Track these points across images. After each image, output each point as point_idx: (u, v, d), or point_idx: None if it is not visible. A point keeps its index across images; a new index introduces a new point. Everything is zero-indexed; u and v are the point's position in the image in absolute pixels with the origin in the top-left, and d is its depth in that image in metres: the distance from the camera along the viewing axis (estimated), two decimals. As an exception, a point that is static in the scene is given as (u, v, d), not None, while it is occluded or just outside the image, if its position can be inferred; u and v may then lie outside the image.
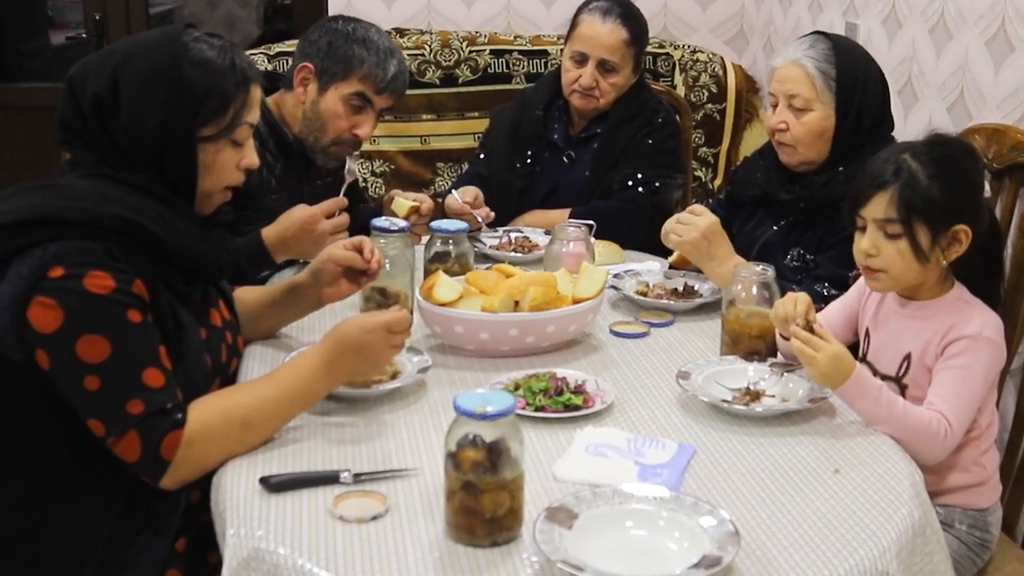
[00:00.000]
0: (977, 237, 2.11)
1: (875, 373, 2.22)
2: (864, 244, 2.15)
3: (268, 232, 2.57)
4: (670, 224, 2.63)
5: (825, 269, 2.58)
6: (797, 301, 2.11)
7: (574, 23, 3.33)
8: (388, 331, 1.97)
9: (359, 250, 2.28)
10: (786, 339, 2.13)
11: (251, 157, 2.05)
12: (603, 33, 3.24)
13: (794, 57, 2.62)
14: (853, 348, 2.31)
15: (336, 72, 2.81)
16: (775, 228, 2.73)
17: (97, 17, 4.89)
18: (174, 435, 1.79)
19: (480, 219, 3.05)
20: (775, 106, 2.67)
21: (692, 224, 2.58)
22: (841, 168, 2.59)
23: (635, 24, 3.29)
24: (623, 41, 3.24)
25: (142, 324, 1.83)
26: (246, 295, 2.33)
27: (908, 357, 2.17)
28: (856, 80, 2.59)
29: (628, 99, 3.33)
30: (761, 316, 2.25)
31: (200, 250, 1.97)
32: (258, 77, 2.03)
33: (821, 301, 2.50)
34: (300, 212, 2.57)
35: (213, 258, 2.02)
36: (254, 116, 2.03)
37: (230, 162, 2.01)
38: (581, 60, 3.26)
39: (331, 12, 4.38)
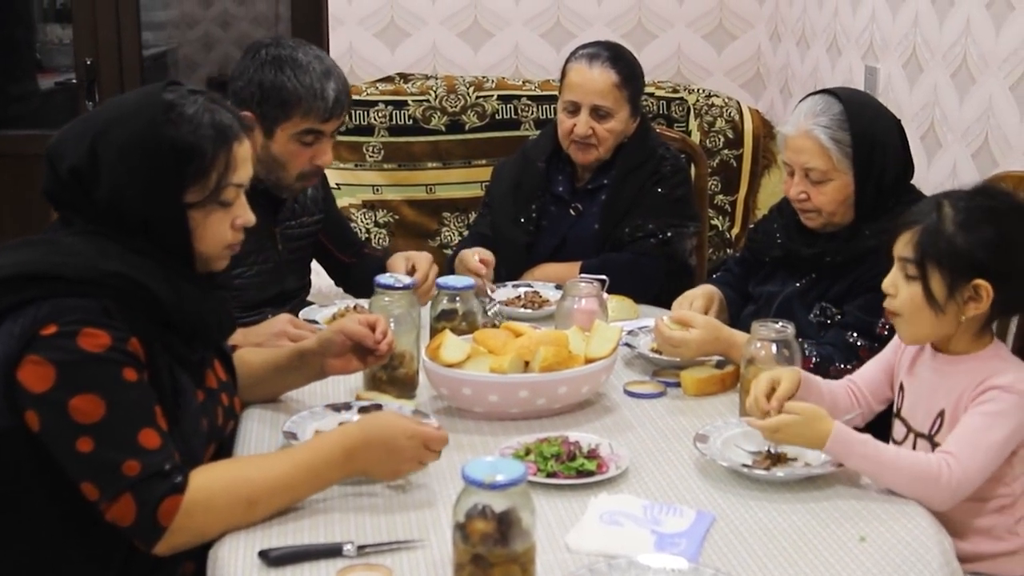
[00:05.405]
0: (1003, 298, 2.10)
1: (909, 430, 2.22)
2: (886, 281, 2.18)
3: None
4: (663, 345, 2.60)
5: (852, 316, 2.58)
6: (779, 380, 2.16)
7: (563, 73, 3.37)
8: (425, 445, 1.98)
9: (373, 328, 2.29)
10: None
11: (246, 215, 2.05)
12: (592, 78, 3.27)
13: (805, 128, 2.61)
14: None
15: (276, 116, 2.77)
16: (797, 285, 2.73)
17: (88, 62, 4.87)
18: (173, 500, 1.79)
19: (489, 290, 3.03)
20: (791, 174, 2.68)
21: (683, 344, 2.55)
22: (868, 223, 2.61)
23: (625, 66, 3.32)
24: (613, 84, 3.27)
25: (138, 383, 1.84)
26: (250, 357, 2.34)
27: (942, 414, 2.17)
28: (874, 143, 2.59)
29: (633, 146, 3.35)
30: (782, 375, 2.26)
31: (200, 313, 1.98)
32: (242, 132, 2.01)
33: (849, 351, 2.52)
34: (280, 326, 2.59)
35: (214, 322, 2.04)
36: (242, 175, 2.02)
37: (222, 224, 2.01)
38: (574, 109, 3.30)
39: (332, 54, 4.35)
